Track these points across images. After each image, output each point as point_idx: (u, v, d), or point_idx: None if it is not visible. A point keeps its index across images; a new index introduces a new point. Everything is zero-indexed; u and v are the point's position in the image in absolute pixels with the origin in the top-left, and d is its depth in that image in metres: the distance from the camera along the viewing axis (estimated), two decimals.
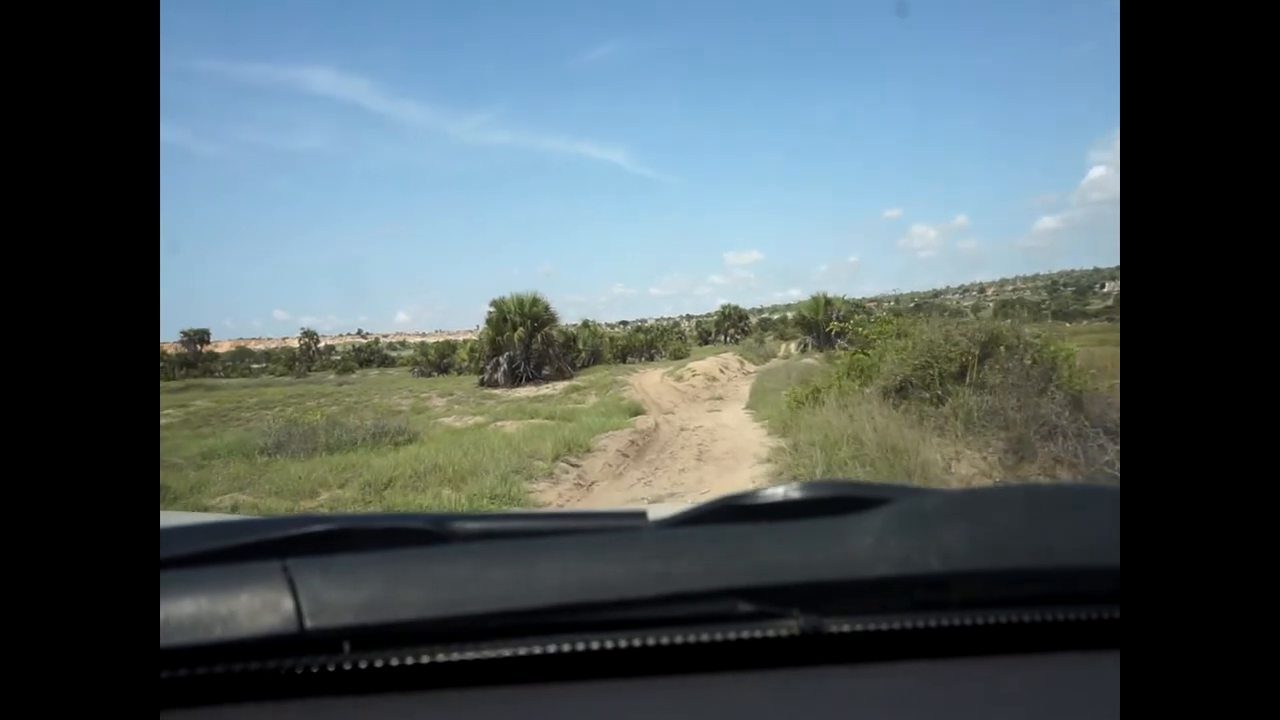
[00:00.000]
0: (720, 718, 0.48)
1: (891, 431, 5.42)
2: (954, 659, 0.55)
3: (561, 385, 19.47)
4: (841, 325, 12.09)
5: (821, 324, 26.78)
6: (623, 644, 0.51)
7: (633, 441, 9.46)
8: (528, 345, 20.99)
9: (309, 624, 0.46)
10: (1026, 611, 0.56)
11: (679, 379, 19.31)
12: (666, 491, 5.70)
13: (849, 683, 0.52)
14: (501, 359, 20.69)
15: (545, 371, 21.60)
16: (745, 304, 48.33)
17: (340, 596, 0.48)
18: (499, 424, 12.30)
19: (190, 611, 0.46)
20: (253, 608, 0.46)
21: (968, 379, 6.52)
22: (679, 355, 32.33)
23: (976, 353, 6.63)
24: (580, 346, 25.95)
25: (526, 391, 19.07)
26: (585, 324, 28.79)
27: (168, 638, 0.44)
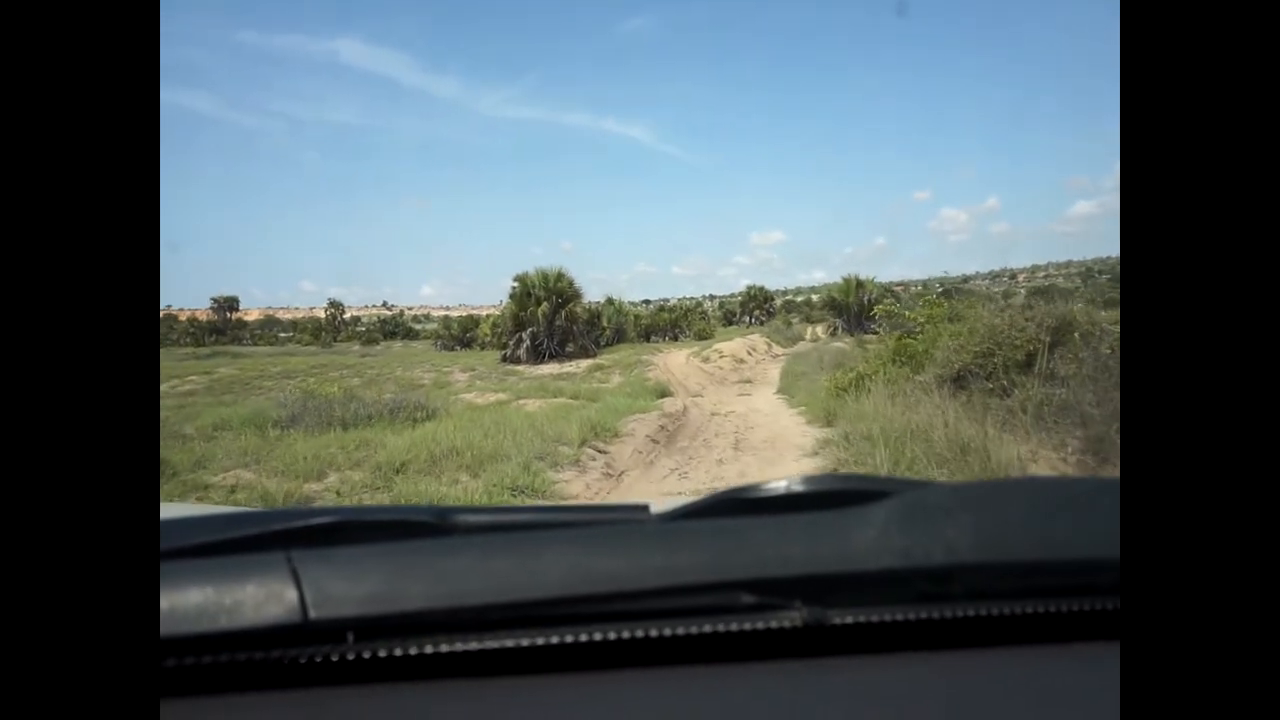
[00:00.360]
0: (723, 709, 0.49)
1: (961, 427, 4.86)
2: (956, 650, 0.55)
3: (585, 363, 19.03)
4: (887, 308, 11.34)
5: (852, 306, 25.88)
6: (626, 635, 0.51)
7: (662, 426, 9.00)
8: (551, 321, 20.54)
9: (313, 614, 0.46)
10: (1028, 603, 0.57)
11: (705, 360, 18.74)
12: (706, 486, 5.20)
13: (852, 674, 0.53)
14: (524, 335, 20.30)
15: (569, 349, 21.17)
16: (769, 285, 47.00)
17: (344, 588, 0.48)
18: (521, 402, 11.92)
19: (195, 601, 0.46)
20: (257, 598, 0.46)
21: (1036, 369, 5.91)
22: (704, 336, 31.54)
23: (1046, 340, 6.01)
24: (604, 324, 25.43)
25: (549, 369, 18.69)
26: (610, 301, 27.99)
27: (173, 627, 0.44)
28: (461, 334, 34.31)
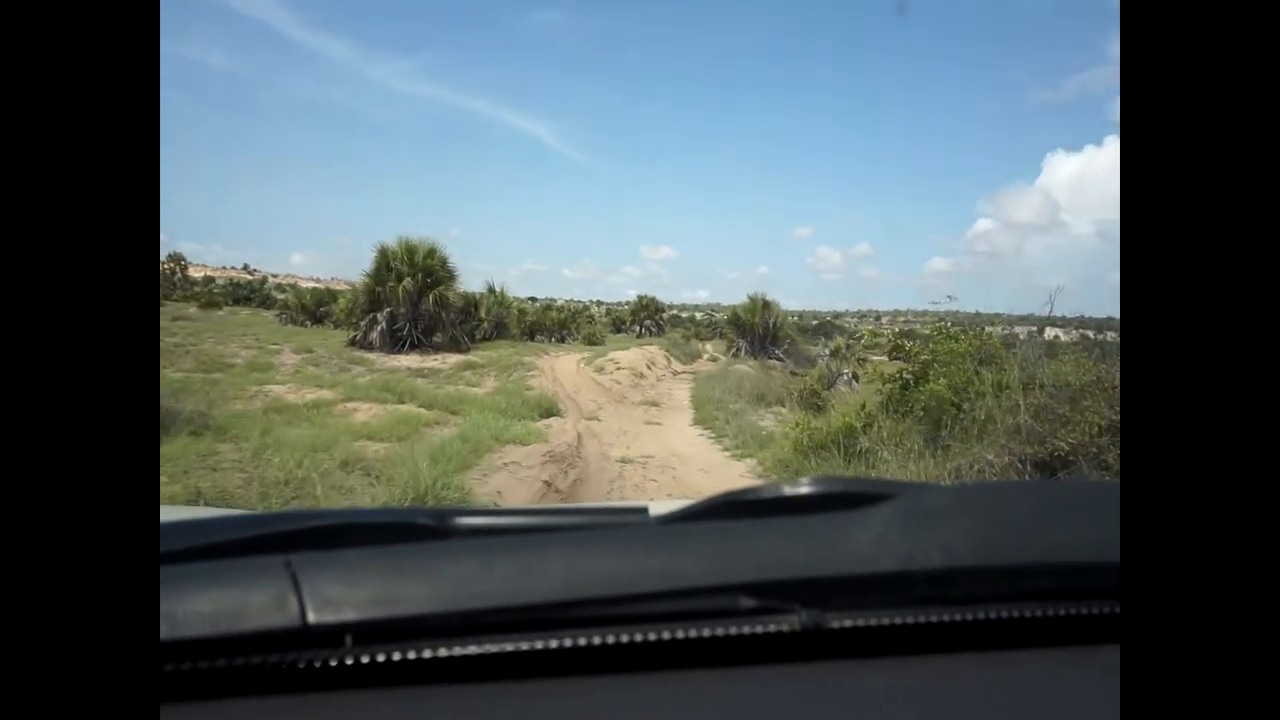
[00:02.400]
0: (722, 712, 0.49)
1: None
2: (956, 654, 0.55)
3: (454, 359, 15.45)
4: (873, 335, 9.12)
5: (757, 328, 23.52)
6: (624, 639, 0.51)
7: (548, 462, 6.14)
8: (416, 304, 16.73)
9: (312, 619, 0.46)
10: (1028, 607, 0.56)
11: (599, 370, 15.71)
12: None
13: (851, 677, 0.53)
14: (380, 316, 16.40)
15: (436, 339, 17.53)
16: (657, 298, 44.43)
17: (343, 591, 0.48)
18: (350, 405, 8.63)
19: (194, 606, 0.46)
20: (256, 602, 0.46)
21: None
22: (594, 341, 28.51)
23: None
24: (483, 315, 21.43)
25: (408, 360, 15.07)
26: (491, 289, 23.68)
27: (172, 631, 0.44)
28: (315, 307, 29.35)
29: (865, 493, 0.60)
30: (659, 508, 0.68)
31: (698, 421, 9.70)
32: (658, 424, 9.59)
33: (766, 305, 24.24)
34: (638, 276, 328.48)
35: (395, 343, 16.46)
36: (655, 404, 11.78)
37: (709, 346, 30.93)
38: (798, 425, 6.25)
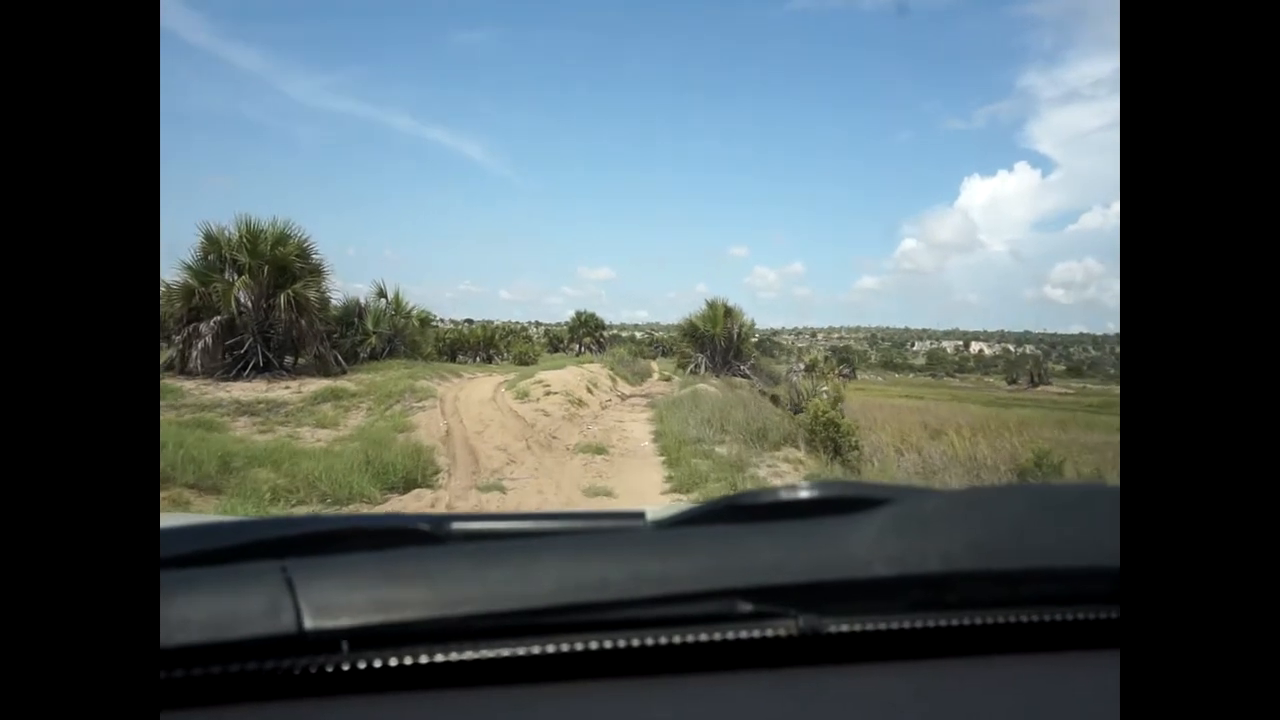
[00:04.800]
0: (719, 717, 0.49)
1: None
2: (954, 659, 0.55)
3: (316, 386, 10.94)
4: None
5: (719, 340, 19.46)
6: (621, 644, 0.50)
7: None
8: (266, 310, 11.99)
9: (308, 625, 0.46)
10: (1025, 612, 0.56)
11: (522, 397, 11.39)
12: None
13: (848, 683, 0.52)
14: (205, 327, 11.62)
15: (300, 361, 12.76)
16: (597, 314, 40.16)
17: (339, 597, 0.47)
18: None
19: (190, 612, 0.45)
20: (252, 609, 0.46)
21: None
22: (525, 360, 23.76)
23: None
24: (370, 327, 16.25)
25: (245, 390, 10.46)
26: (381, 293, 17.44)
27: (167, 638, 0.44)
28: None
29: (863, 497, 0.60)
30: (656, 512, 0.67)
31: (677, 486, 5.63)
32: (607, 493, 5.46)
33: (729, 313, 19.84)
34: (576, 297, 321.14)
35: (235, 365, 11.60)
36: (601, 450, 7.47)
37: (656, 365, 27.10)
38: None
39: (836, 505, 0.59)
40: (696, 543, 0.55)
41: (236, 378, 11.46)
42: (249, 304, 11.86)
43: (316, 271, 13.10)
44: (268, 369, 11.95)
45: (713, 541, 0.55)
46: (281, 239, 12.46)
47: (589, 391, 13.40)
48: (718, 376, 17.51)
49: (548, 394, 11.57)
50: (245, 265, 12.01)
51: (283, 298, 12.05)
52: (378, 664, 0.47)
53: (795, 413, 10.82)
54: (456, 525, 0.61)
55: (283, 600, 0.46)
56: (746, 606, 0.51)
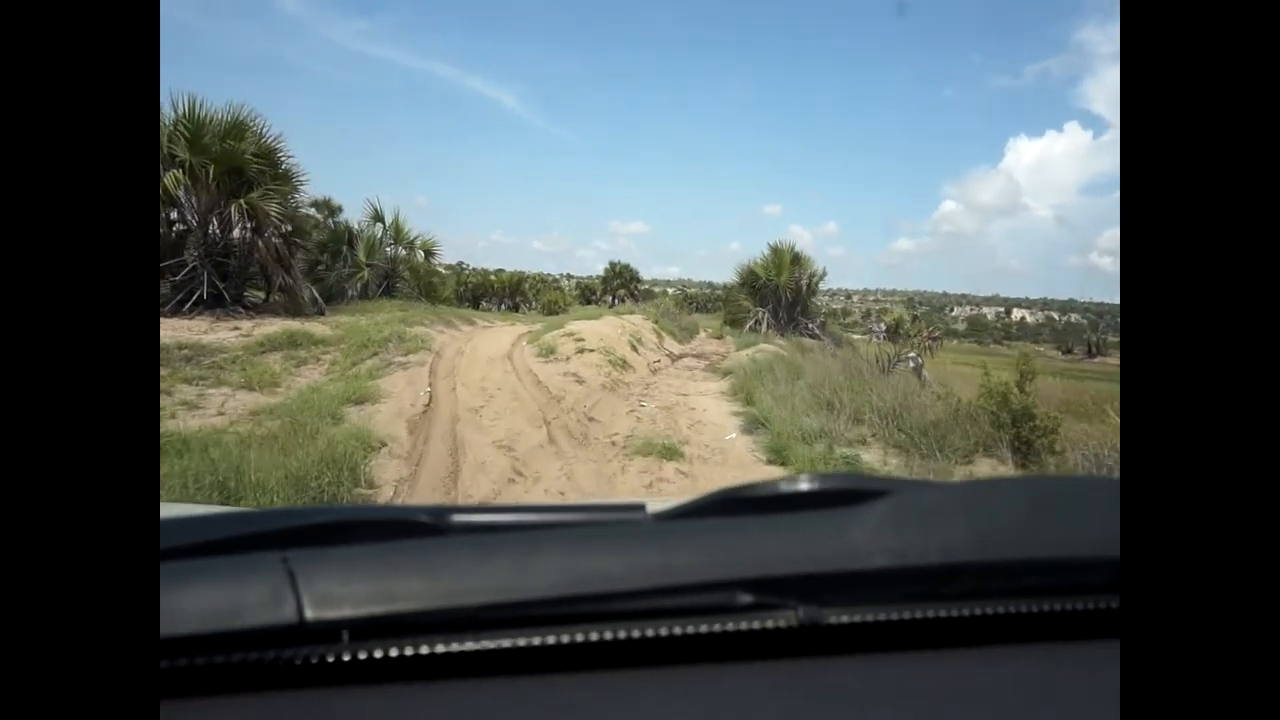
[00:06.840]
0: (719, 708, 0.48)
1: None
2: (954, 650, 0.55)
3: (272, 328, 8.49)
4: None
5: (783, 291, 15.38)
6: (622, 635, 0.51)
7: None
8: (222, 230, 9.44)
9: (309, 615, 0.46)
10: (1026, 602, 0.56)
11: (548, 353, 8.53)
12: None
13: (848, 673, 0.52)
14: None
15: (272, 298, 10.11)
16: (631, 265, 37.92)
17: (339, 588, 0.47)
18: None
19: (191, 602, 0.45)
20: (253, 599, 0.46)
21: None
22: (553, 310, 21.36)
23: None
24: (362, 258, 13.21)
25: (177, 331, 7.93)
26: (377, 215, 14.32)
27: (168, 628, 0.44)
28: None
29: (863, 489, 0.60)
30: (656, 505, 0.67)
31: None
32: None
33: (796, 260, 15.90)
34: (608, 250, 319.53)
35: (177, 295, 9.01)
36: (672, 451, 4.75)
37: (700, 321, 22.98)
38: None
39: (836, 497, 0.60)
40: (697, 535, 0.56)
41: (176, 312, 8.90)
42: (193, 218, 9.33)
43: (284, 179, 10.04)
44: (218, 303, 9.30)
45: (713, 533, 0.56)
46: (234, 131, 9.34)
47: (633, 350, 9.92)
48: (782, 336, 14.15)
49: (581, 351, 8.61)
50: (184, 162, 9.02)
51: (233, 209, 9.43)
52: (378, 654, 0.47)
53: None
54: (457, 517, 0.62)
55: (284, 591, 0.46)
56: (747, 598, 0.51)
